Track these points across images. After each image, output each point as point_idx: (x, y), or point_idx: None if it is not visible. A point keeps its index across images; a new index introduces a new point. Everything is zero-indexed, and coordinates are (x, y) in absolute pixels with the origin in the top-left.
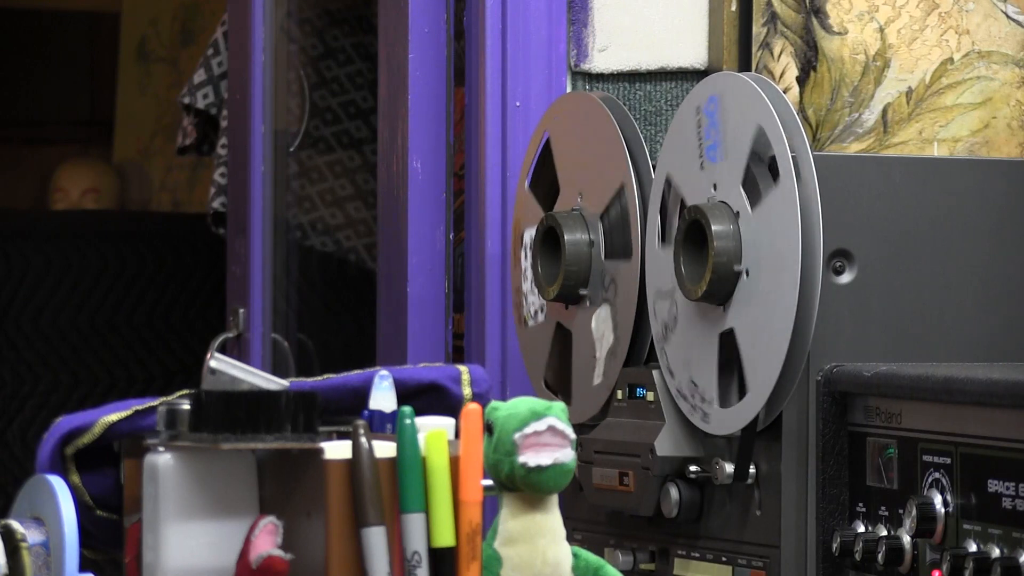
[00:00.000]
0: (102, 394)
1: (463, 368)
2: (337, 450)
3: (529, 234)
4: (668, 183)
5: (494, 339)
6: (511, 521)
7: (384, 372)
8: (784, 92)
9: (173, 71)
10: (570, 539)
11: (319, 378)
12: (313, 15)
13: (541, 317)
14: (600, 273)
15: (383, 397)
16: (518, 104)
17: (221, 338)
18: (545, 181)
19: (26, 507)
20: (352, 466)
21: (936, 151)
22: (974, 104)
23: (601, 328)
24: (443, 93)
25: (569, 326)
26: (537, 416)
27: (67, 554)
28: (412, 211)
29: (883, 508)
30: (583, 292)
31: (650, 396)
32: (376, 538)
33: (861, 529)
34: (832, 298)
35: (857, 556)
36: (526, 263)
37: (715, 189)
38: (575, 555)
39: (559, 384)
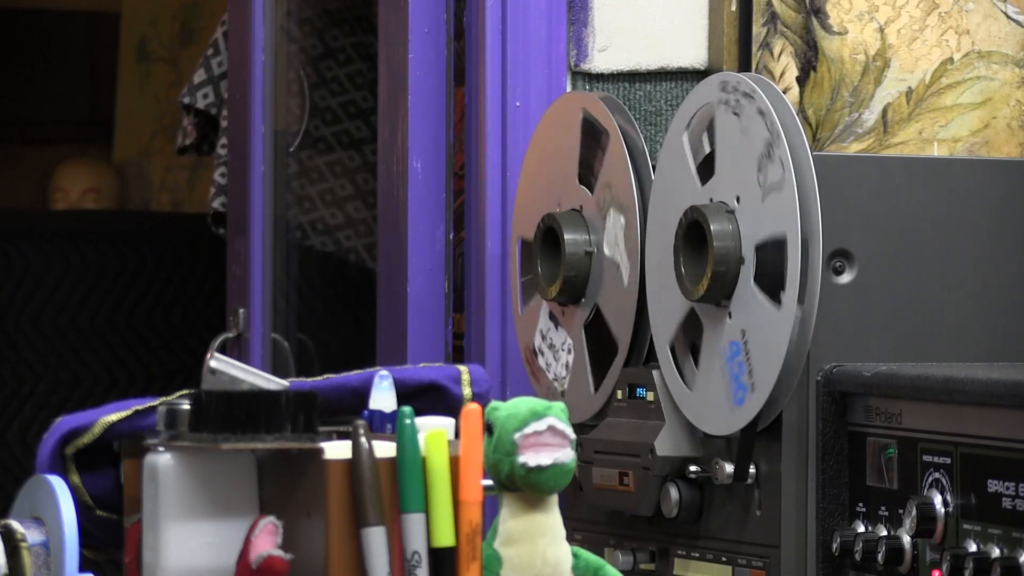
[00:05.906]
0: (102, 394)
1: (463, 368)
2: (337, 450)
3: (544, 311)
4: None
5: (494, 339)
6: (511, 521)
7: (384, 372)
8: (784, 92)
9: (173, 71)
10: (570, 539)
11: (319, 378)
12: (313, 15)
13: (571, 360)
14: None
15: (383, 397)
16: (518, 104)
17: (221, 338)
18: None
19: (26, 507)
20: (352, 466)
21: (936, 151)
22: (974, 104)
23: (612, 247)
24: (443, 93)
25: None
26: (537, 416)
27: (67, 554)
28: (412, 211)
29: (883, 508)
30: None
31: (650, 396)
32: (376, 538)
33: (861, 529)
34: (832, 298)
35: (857, 556)
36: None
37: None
38: (575, 555)
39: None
